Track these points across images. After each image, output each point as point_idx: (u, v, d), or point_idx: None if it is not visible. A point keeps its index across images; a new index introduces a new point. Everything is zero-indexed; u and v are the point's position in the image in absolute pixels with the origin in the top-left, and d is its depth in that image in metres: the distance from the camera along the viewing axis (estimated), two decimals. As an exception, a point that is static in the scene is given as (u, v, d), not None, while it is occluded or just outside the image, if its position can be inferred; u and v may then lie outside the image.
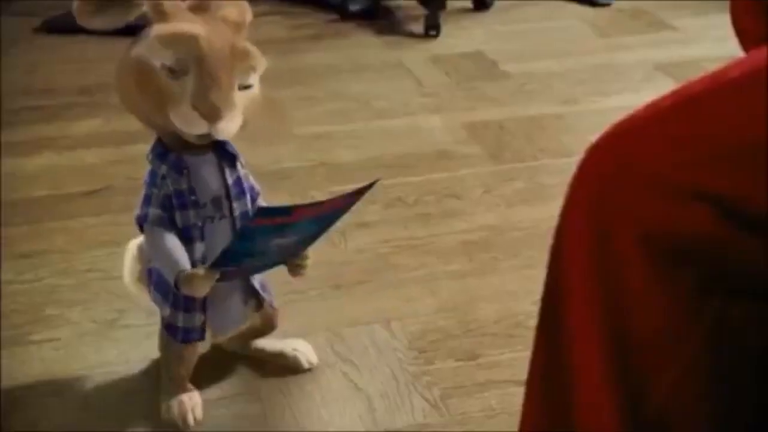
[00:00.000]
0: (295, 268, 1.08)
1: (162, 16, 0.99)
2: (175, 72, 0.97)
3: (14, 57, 2.42)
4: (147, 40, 0.98)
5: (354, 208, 1.02)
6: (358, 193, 0.98)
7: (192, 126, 0.98)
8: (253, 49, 1.02)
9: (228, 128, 0.99)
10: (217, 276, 1.00)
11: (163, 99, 0.98)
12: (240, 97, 1.00)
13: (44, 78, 2.29)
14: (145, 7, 0.99)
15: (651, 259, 0.62)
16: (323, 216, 1.01)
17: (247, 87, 1.02)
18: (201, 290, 1.00)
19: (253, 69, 1.02)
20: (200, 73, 0.97)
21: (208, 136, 0.99)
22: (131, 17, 1.00)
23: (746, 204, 0.59)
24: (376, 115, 2.04)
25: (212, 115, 0.97)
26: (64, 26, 2.52)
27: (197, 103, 0.96)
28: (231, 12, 1.03)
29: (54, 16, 2.60)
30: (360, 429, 1.11)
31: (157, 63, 0.97)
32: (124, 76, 1.01)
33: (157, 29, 0.98)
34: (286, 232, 0.99)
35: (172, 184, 1.03)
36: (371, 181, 0.99)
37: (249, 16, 1.05)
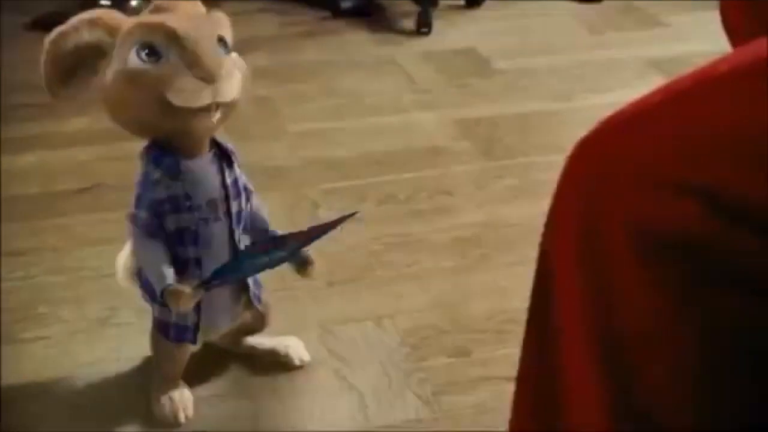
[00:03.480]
0: (304, 267, 1.10)
1: (116, 30, 0.98)
2: (152, 56, 0.95)
3: (12, 54, 2.40)
4: (117, 49, 0.97)
5: (344, 207, 1.04)
6: (337, 222, 1.03)
7: (195, 96, 0.96)
8: (216, 14, 1.02)
9: (229, 88, 0.98)
10: (202, 293, 1.01)
11: (158, 87, 0.95)
12: (227, 60, 0.99)
13: (35, 75, 2.28)
14: (105, 38, 0.98)
15: (640, 255, 0.62)
16: (303, 240, 1.05)
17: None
18: (186, 306, 1.01)
19: (221, 36, 1.00)
20: (180, 46, 0.95)
21: (211, 106, 0.98)
22: (99, 68, 0.99)
23: (737, 198, 0.59)
24: (369, 112, 2.04)
25: (210, 75, 0.95)
26: (52, 24, 2.50)
27: (193, 69, 0.95)
28: (186, 7, 1.02)
29: (43, 14, 2.59)
30: (352, 426, 1.11)
31: (134, 61, 0.96)
32: (112, 93, 0.99)
33: (123, 31, 0.97)
34: (271, 252, 1.04)
35: (165, 190, 1.02)
36: (351, 212, 1.05)
37: (201, 9, 1.05)
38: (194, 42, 0.96)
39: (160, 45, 0.96)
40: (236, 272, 1.06)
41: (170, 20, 0.97)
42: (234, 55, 1.02)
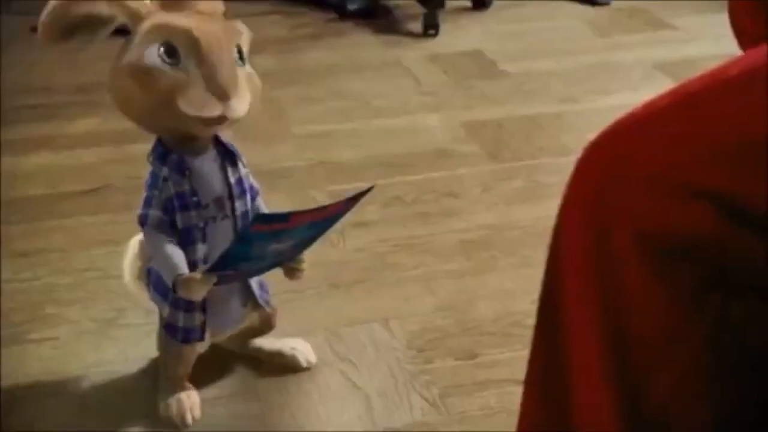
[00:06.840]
0: (292, 271, 1.09)
1: (139, 18, 0.99)
2: (172, 58, 0.96)
3: (14, 56, 2.41)
4: (137, 40, 0.98)
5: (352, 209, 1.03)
6: (354, 199, 1.00)
7: (205, 108, 0.97)
8: (238, 24, 1.03)
9: (240, 105, 0.99)
10: (215, 280, 1.00)
11: (170, 91, 0.97)
12: (241, 74, 1.00)
13: (42, 77, 2.29)
14: (121, 19, 0.99)
15: (649, 258, 0.62)
16: (320, 221, 1.02)
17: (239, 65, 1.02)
18: (198, 294, 1.00)
19: (239, 46, 1.01)
20: (200, 56, 0.96)
21: (220, 118, 0.99)
22: (100, 37, 0.99)
23: (746, 202, 0.59)
24: (375, 114, 2.04)
25: (224, 93, 0.97)
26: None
27: (208, 83, 0.96)
28: (204, 6, 1.03)
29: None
30: (358, 428, 1.11)
31: (151, 58, 0.96)
32: (121, 83, 1.00)
33: (147, 24, 0.98)
34: (283, 237, 1.00)
35: (173, 186, 1.02)
36: (368, 186, 1.01)
37: (221, 7, 1.05)
38: (216, 56, 0.97)
39: (181, 50, 0.97)
40: (244, 258, 1.01)
41: (195, 27, 0.97)
42: (248, 68, 1.03)
